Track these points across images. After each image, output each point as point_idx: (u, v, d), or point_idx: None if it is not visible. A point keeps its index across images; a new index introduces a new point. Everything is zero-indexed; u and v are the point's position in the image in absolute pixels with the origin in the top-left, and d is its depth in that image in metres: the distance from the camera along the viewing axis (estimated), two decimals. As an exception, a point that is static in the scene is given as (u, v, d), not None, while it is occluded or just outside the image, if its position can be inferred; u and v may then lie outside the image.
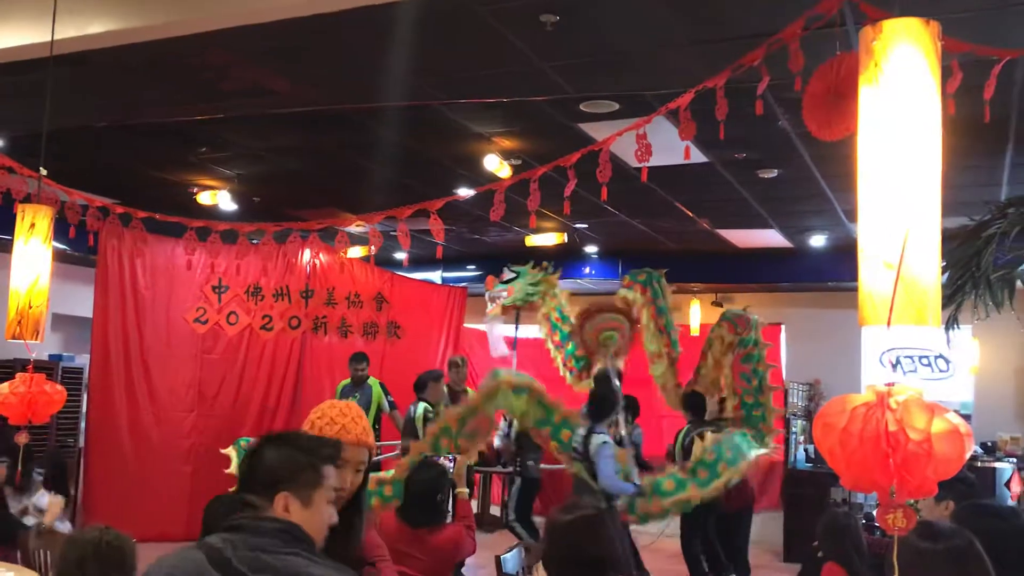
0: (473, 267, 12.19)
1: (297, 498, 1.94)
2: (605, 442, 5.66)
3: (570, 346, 7.27)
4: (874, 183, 2.05)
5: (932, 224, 2.02)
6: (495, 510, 10.35)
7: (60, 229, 5.15)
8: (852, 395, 1.98)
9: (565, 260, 11.71)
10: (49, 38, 4.41)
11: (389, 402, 8.07)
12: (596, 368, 6.88)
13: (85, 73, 5.35)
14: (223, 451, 7.16)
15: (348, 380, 8.16)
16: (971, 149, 6.24)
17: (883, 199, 2.02)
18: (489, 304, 7.65)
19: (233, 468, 7.04)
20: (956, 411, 2.03)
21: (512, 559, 4.59)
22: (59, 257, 7.62)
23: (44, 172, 4.72)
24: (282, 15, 4.37)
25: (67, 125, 6.17)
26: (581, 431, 5.78)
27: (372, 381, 8.10)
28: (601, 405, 5.93)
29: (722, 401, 6.94)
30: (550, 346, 7.40)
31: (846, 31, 3.43)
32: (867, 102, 2.09)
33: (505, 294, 7.71)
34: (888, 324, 1.97)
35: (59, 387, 4.61)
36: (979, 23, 4.28)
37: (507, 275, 7.66)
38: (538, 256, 11.39)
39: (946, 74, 2.97)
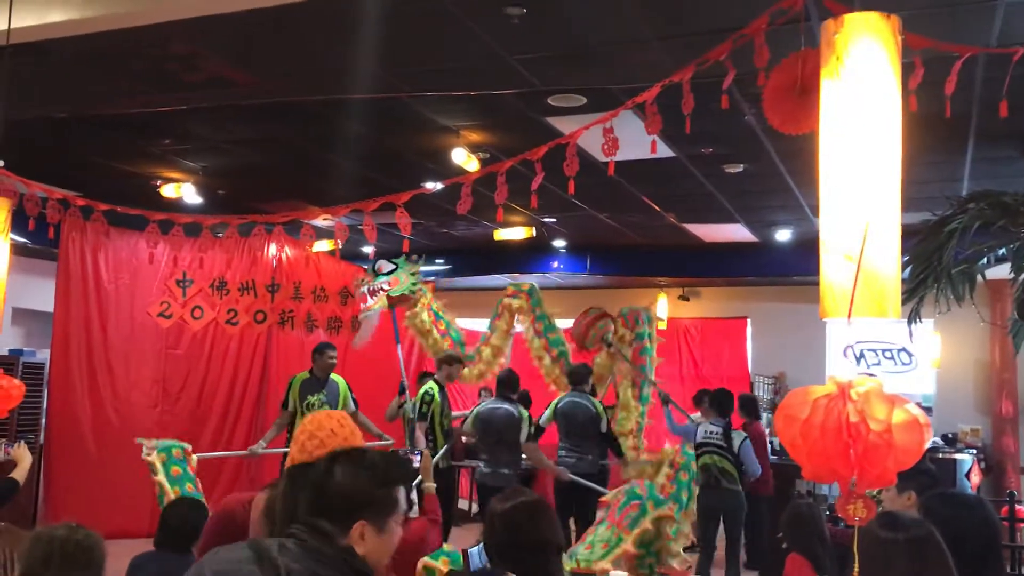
0: (442, 261, 12.17)
1: (373, 525, 1.90)
2: (745, 438, 7.24)
3: (455, 334, 8.22)
4: (835, 175, 2.07)
5: (892, 217, 2.04)
6: (463, 504, 10.35)
7: (19, 222, 5.06)
8: (814, 387, 1.99)
9: (533, 254, 11.74)
10: (6, 26, 4.32)
11: (353, 400, 7.81)
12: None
13: (44, 63, 5.25)
14: (146, 457, 6.55)
15: (306, 373, 7.60)
16: (933, 145, 6.32)
17: (844, 192, 2.04)
18: (370, 298, 7.82)
19: (160, 477, 6.57)
20: (917, 403, 2.05)
21: (479, 553, 4.59)
22: (19, 250, 7.48)
23: (2, 163, 4.64)
24: (245, 5, 4.32)
25: (25, 116, 6.05)
26: (716, 428, 7.15)
27: (337, 378, 7.79)
28: (725, 406, 7.38)
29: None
30: (436, 336, 8.15)
31: (811, 26, 3.45)
32: (828, 95, 2.10)
33: (387, 286, 7.87)
34: (848, 316, 1.99)
35: (17, 382, 4.53)
36: (940, 19, 4.33)
37: (386, 267, 7.90)
38: (507, 251, 11.44)
39: (908, 70, 2.99)
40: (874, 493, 3.67)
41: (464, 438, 8.57)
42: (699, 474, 6.80)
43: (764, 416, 10.77)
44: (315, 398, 7.46)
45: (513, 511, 2.51)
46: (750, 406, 8.82)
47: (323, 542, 1.82)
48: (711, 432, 7.24)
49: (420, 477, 4.86)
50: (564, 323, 8.79)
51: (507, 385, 7.26)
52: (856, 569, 2.03)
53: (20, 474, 4.53)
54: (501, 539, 2.50)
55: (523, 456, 7.28)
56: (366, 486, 1.92)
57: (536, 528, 2.47)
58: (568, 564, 5.64)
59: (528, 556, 2.44)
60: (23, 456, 4.60)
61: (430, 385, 7.63)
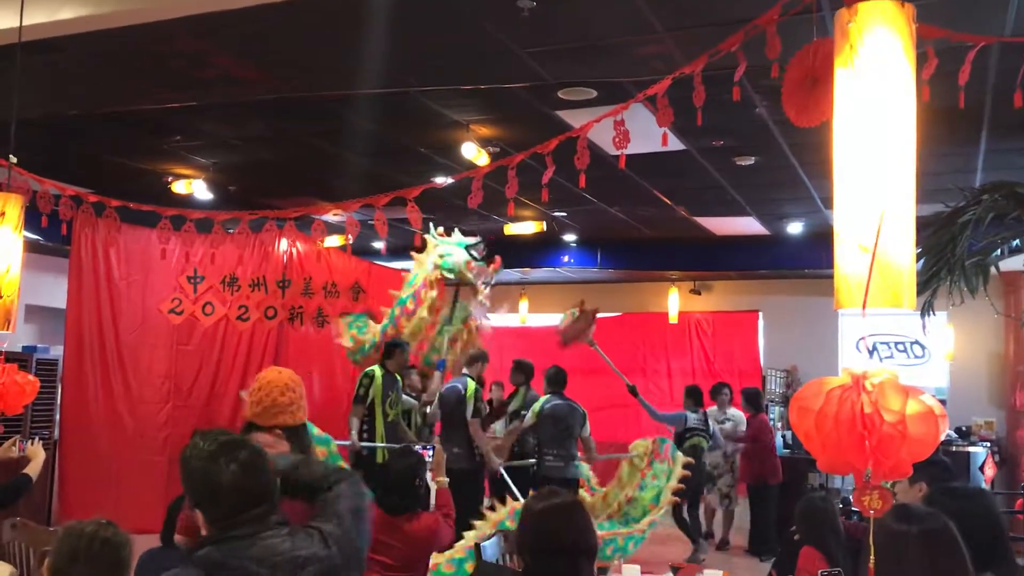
0: (452, 256, 12.15)
1: None
2: (717, 422, 9.02)
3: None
4: (849, 165, 2.05)
5: (907, 206, 2.02)
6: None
7: (32, 219, 5.08)
8: (828, 378, 1.98)
9: (544, 249, 11.73)
10: (17, 24, 4.34)
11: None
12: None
13: (55, 60, 5.27)
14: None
15: (380, 369, 7.33)
16: (946, 136, 6.28)
17: (858, 181, 2.03)
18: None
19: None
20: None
21: (492, 546, 4.60)
22: (32, 247, 7.52)
23: (14, 160, 4.65)
24: (255, 1, 4.32)
25: (37, 113, 6.08)
26: (698, 416, 8.69)
27: (397, 376, 7.69)
28: (699, 399, 8.90)
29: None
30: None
31: (823, 17, 3.43)
32: (842, 84, 2.09)
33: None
34: (863, 306, 1.97)
35: (31, 377, 4.55)
36: (954, 9, 4.30)
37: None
38: (518, 245, 11.44)
39: (921, 60, 2.97)
40: (888, 485, 3.67)
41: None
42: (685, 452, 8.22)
43: (777, 409, 10.82)
44: (393, 394, 7.37)
45: (548, 511, 2.51)
46: (754, 400, 9.33)
47: (266, 526, 2.04)
48: (697, 419, 8.70)
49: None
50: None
51: (558, 381, 7.59)
52: (872, 561, 2.02)
53: (33, 470, 4.57)
54: (533, 539, 2.50)
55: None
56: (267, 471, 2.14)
57: (568, 530, 2.47)
58: (645, 493, 7.19)
59: (559, 558, 2.44)
60: (37, 452, 4.64)
61: (476, 385, 7.55)
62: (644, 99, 4.02)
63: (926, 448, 1.88)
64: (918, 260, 5.47)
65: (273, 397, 3.32)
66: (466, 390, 7.39)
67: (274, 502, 2.10)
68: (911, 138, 2.07)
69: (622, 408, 11.80)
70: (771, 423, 10.50)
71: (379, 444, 7.23)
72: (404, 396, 7.96)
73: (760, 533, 9.09)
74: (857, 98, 2.05)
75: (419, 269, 7.80)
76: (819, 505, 4.38)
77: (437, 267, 7.66)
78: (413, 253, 7.71)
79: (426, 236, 7.72)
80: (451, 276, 7.79)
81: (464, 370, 7.70)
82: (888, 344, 11.86)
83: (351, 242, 5.63)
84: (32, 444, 4.73)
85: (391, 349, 7.51)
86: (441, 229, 7.83)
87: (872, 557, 2.02)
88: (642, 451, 7.12)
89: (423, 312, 7.78)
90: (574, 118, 6.19)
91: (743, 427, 9.35)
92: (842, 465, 1.92)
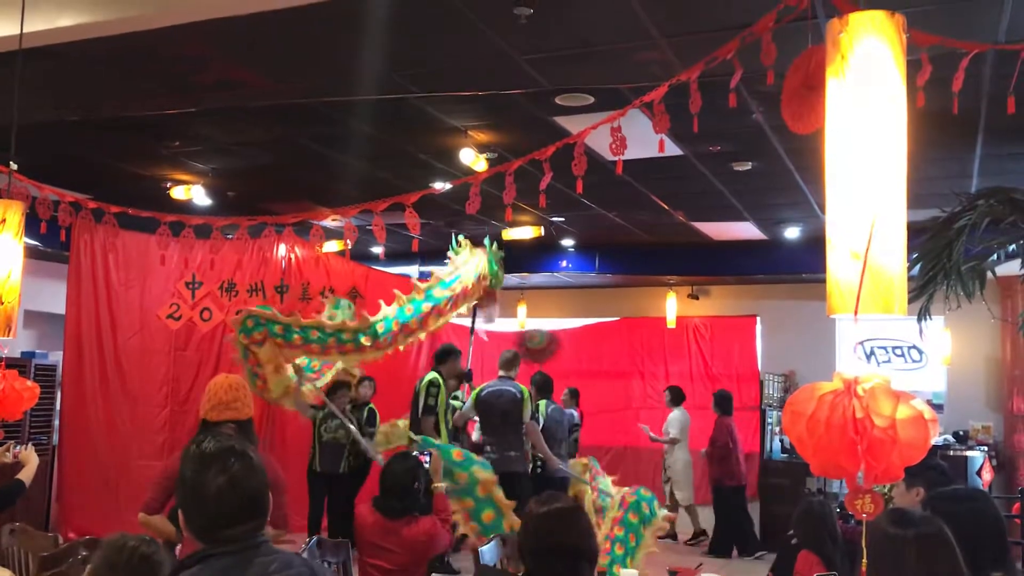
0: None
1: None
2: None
3: None
4: (841, 174, 2.08)
5: (898, 213, 2.05)
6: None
7: (31, 225, 5.09)
8: (820, 383, 2.01)
9: (542, 254, 11.74)
10: (18, 31, 4.36)
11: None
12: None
13: (55, 66, 5.29)
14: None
15: (439, 376, 7.03)
16: (941, 141, 6.31)
17: (850, 189, 2.05)
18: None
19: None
20: (928, 400, 2.06)
21: (490, 551, 4.61)
22: (31, 253, 7.53)
23: (15, 167, 4.67)
24: (255, 8, 4.34)
25: (37, 119, 6.10)
26: (575, 413, 9.28)
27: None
28: (578, 398, 9.92)
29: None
30: None
31: (817, 24, 3.45)
32: (834, 94, 2.12)
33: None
34: (855, 312, 1.99)
35: (30, 383, 4.57)
36: (948, 15, 4.32)
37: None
38: (516, 250, 11.45)
39: (915, 67, 3.00)
40: (885, 490, 3.69)
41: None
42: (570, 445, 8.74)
43: (775, 414, 10.90)
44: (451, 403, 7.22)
45: (549, 516, 2.53)
46: (722, 403, 9.89)
47: (253, 543, 2.05)
48: (575, 416, 9.47)
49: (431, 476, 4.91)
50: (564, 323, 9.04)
51: (549, 388, 8.14)
52: (864, 565, 2.04)
53: (27, 475, 4.59)
54: (534, 543, 2.51)
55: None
56: (265, 475, 2.14)
57: (569, 534, 2.48)
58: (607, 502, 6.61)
59: (560, 562, 2.45)
60: (30, 457, 4.66)
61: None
62: (641, 105, 4.04)
63: (917, 452, 1.90)
64: (914, 265, 5.49)
65: (219, 396, 4.06)
66: (522, 394, 7.25)
67: (264, 517, 2.07)
68: (902, 147, 2.10)
69: (621, 412, 11.86)
70: (769, 427, 10.57)
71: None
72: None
73: (719, 533, 9.50)
74: (848, 108, 2.08)
75: (457, 274, 7.50)
76: (817, 509, 4.39)
77: (485, 278, 7.41)
78: (451, 255, 7.45)
79: (467, 243, 7.51)
80: (493, 288, 7.70)
81: (501, 372, 7.54)
82: (886, 348, 11.88)
83: (350, 247, 5.65)
84: (25, 449, 4.74)
85: (446, 355, 7.24)
86: (495, 245, 7.54)
87: (865, 560, 2.04)
88: (580, 469, 7.06)
89: (449, 318, 7.59)
90: (572, 124, 6.21)
91: (665, 427, 10.16)
92: (834, 469, 1.94)
